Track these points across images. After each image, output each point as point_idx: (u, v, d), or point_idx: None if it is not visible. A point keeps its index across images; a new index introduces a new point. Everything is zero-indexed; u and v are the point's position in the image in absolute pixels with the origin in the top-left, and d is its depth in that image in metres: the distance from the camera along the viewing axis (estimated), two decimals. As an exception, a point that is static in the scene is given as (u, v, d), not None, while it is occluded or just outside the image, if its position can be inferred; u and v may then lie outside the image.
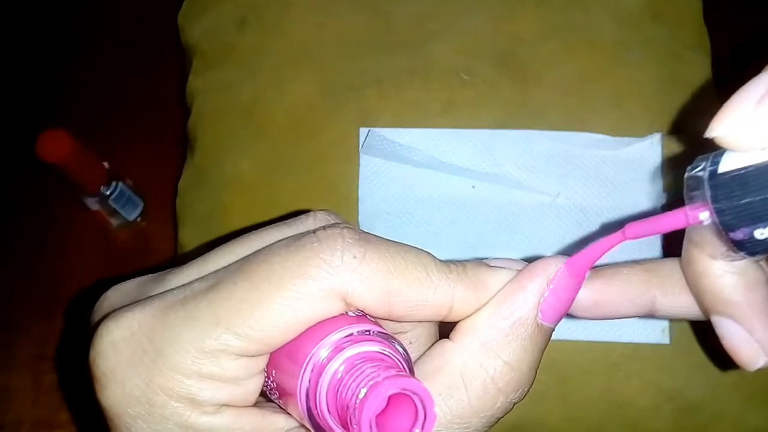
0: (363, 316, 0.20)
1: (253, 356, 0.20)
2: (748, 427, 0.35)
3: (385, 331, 0.20)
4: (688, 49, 0.40)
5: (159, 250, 0.52)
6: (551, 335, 0.22)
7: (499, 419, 0.21)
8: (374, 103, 0.39)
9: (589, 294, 0.23)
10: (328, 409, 0.18)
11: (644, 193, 0.37)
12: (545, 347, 0.22)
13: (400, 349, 0.20)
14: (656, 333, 0.35)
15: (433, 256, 0.21)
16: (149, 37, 0.57)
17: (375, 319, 0.21)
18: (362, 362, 0.18)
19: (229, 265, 0.21)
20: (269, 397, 0.21)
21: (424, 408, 0.18)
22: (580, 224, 0.37)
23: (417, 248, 0.21)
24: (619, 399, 0.35)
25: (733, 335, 0.22)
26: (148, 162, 0.54)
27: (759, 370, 0.23)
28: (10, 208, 0.54)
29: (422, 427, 0.18)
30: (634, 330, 0.36)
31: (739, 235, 0.18)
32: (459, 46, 0.40)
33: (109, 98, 0.56)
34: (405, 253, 0.20)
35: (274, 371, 0.20)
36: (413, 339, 0.23)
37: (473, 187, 0.37)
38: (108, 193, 0.50)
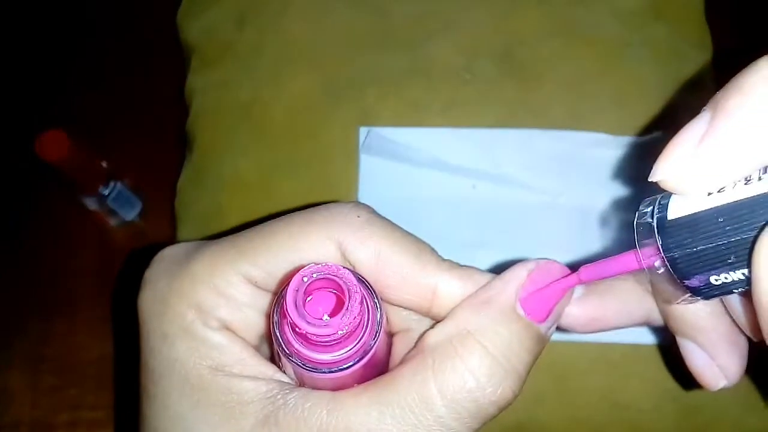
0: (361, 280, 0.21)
1: (257, 284, 0.22)
2: (749, 429, 0.35)
3: (362, 277, 0.21)
4: (690, 47, 0.40)
5: (158, 250, 0.51)
6: (542, 340, 0.21)
7: (478, 418, 0.20)
8: (374, 102, 0.38)
9: (586, 311, 0.23)
10: (291, 331, 0.19)
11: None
12: (535, 350, 0.21)
13: (370, 288, 0.21)
14: (656, 333, 0.35)
15: (433, 249, 0.22)
16: (148, 35, 0.57)
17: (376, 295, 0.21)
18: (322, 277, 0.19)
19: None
20: (276, 355, 0.23)
21: (348, 289, 0.19)
22: (582, 224, 0.37)
23: (420, 239, 0.22)
24: (619, 400, 0.35)
25: (697, 358, 0.23)
26: (147, 162, 0.54)
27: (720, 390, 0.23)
28: (9, 208, 0.54)
29: (346, 309, 0.18)
30: (634, 330, 0.35)
31: (694, 282, 0.17)
32: (460, 44, 0.40)
33: (107, 98, 0.56)
34: (406, 233, 0.22)
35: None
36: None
37: (474, 186, 0.37)
38: (106, 193, 0.50)
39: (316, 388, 0.21)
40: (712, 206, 0.16)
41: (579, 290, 0.23)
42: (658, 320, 0.24)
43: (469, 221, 0.37)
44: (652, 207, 0.18)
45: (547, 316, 0.21)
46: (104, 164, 0.51)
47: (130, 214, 0.53)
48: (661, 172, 0.17)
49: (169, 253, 0.24)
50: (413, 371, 0.20)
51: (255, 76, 0.41)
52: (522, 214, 0.37)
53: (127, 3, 0.59)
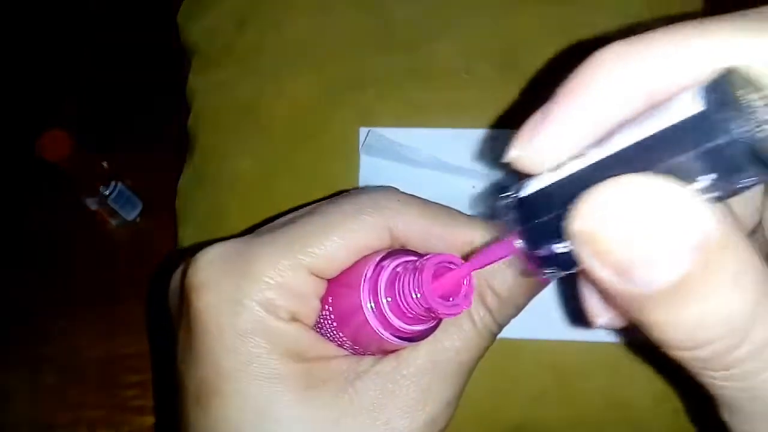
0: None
1: (318, 275, 0.24)
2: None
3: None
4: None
5: (158, 250, 0.52)
6: (541, 288, 0.26)
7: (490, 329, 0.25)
8: (374, 102, 0.39)
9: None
10: (386, 295, 0.22)
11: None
12: (533, 294, 0.25)
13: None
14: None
15: (457, 210, 0.26)
16: (148, 35, 0.57)
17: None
18: (410, 262, 0.23)
19: (303, 209, 0.26)
20: (323, 334, 0.25)
21: (463, 278, 0.21)
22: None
23: (445, 205, 0.26)
24: (619, 399, 0.35)
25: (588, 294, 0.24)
26: (148, 162, 0.54)
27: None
28: (11, 209, 0.54)
29: (465, 294, 0.22)
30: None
31: (543, 252, 0.18)
32: (460, 45, 0.40)
33: (108, 98, 0.56)
34: (434, 204, 0.26)
35: (330, 299, 0.24)
36: None
37: (473, 187, 0.37)
38: (107, 193, 0.50)
39: (379, 352, 0.24)
40: (550, 182, 0.18)
41: None
42: None
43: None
44: (513, 189, 0.20)
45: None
46: (105, 164, 0.51)
47: (131, 214, 0.53)
48: (510, 154, 0.19)
49: (217, 254, 0.24)
50: None
51: (256, 77, 0.41)
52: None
53: (128, 4, 0.59)
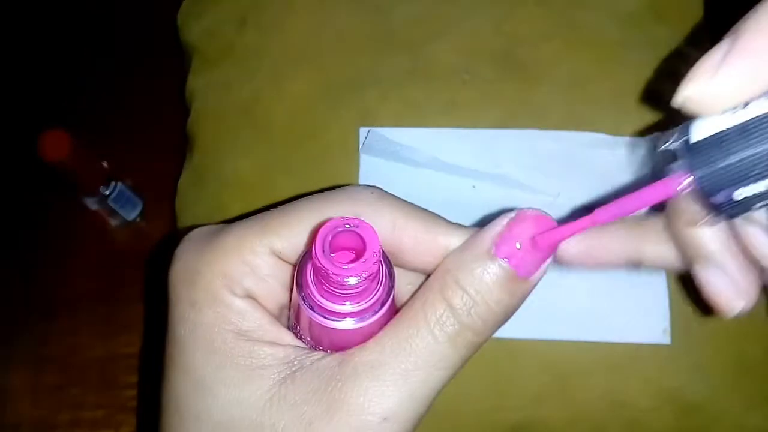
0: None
1: (281, 256, 0.24)
2: (749, 428, 0.35)
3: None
4: (690, 48, 0.40)
5: (158, 251, 0.52)
6: (524, 284, 0.22)
7: (458, 342, 0.22)
8: (374, 102, 0.39)
9: (583, 240, 0.25)
10: (314, 282, 0.22)
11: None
12: (517, 293, 0.22)
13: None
14: (657, 333, 0.35)
15: (443, 217, 0.24)
16: (148, 35, 0.57)
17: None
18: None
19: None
20: (290, 329, 0.24)
21: (364, 239, 0.20)
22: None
23: (429, 210, 0.25)
24: (619, 399, 0.35)
25: (715, 280, 0.24)
26: (148, 162, 0.54)
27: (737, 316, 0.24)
28: (10, 208, 0.54)
29: (368, 255, 0.20)
30: (635, 330, 0.35)
31: (719, 198, 0.18)
32: (459, 45, 0.40)
33: (108, 98, 0.56)
34: (416, 206, 0.24)
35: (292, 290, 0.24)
36: None
37: (474, 187, 0.37)
38: (107, 193, 0.51)
39: (332, 349, 0.23)
40: (735, 123, 0.17)
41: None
42: (649, 260, 0.25)
43: (469, 221, 0.37)
44: (675, 135, 0.19)
45: (518, 255, 0.22)
46: (105, 164, 0.51)
47: (131, 214, 0.53)
48: (685, 93, 0.18)
49: (197, 231, 0.25)
50: (407, 310, 0.22)
51: (256, 77, 0.41)
52: (522, 214, 0.37)
53: (128, 3, 0.59)
